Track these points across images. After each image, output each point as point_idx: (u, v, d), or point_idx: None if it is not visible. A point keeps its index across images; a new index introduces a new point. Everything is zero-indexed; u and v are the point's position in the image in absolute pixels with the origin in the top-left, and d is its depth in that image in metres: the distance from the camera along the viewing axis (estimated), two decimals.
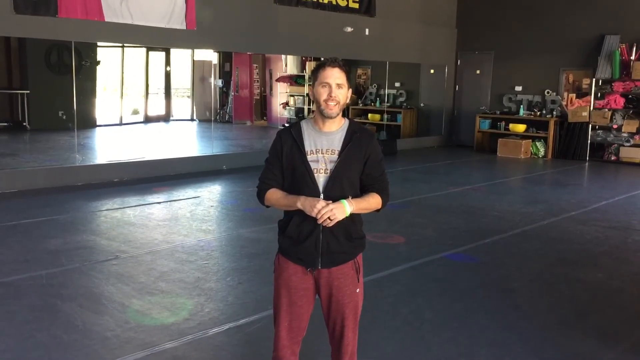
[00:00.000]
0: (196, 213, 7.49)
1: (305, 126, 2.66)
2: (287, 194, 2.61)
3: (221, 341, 3.95)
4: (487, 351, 3.89)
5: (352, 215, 2.61)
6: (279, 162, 2.64)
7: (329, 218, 2.47)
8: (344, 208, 2.52)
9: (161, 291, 4.77)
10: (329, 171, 2.58)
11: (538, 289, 5.13)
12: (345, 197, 2.57)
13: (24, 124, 14.25)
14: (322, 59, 2.77)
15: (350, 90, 2.66)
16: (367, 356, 3.56)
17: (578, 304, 4.83)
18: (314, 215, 2.48)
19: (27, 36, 10.96)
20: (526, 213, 7.93)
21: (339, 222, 2.57)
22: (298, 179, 2.59)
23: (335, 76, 2.55)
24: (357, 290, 2.69)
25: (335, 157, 2.59)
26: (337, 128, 2.64)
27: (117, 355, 3.66)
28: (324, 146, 2.60)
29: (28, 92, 14.15)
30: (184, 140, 15.26)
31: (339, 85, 2.56)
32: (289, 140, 2.63)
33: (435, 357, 3.80)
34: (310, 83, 2.67)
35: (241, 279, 5.17)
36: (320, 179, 2.58)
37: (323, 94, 2.56)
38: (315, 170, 2.58)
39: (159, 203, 8.02)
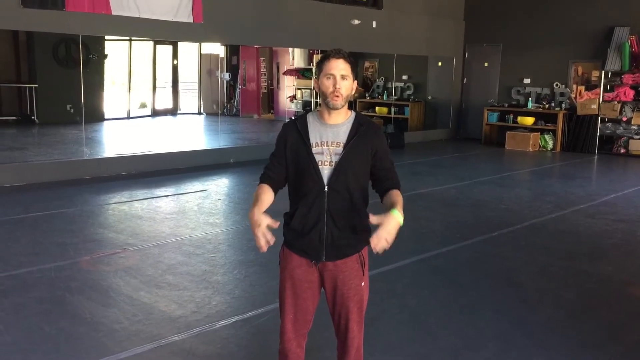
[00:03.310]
0: (203, 206, 7.51)
1: (311, 118, 2.64)
2: (259, 199, 2.52)
3: (228, 334, 3.96)
4: (494, 344, 3.88)
5: (356, 207, 2.60)
6: (283, 154, 2.63)
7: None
8: (398, 219, 2.43)
9: (168, 284, 4.79)
10: (333, 164, 2.56)
11: (545, 282, 5.11)
12: (350, 190, 2.56)
13: (32, 117, 14.31)
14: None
15: (356, 82, 2.63)
16: (374, 349, 3.56)
17: (586, 297, 4.81)
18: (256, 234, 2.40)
19: (35, 30, 11.00)
20: (534, 206, 7.90)
21: (343, 215, 2.57)
22: (302, 171, 2.58)
23: (339, 67, 2.52)
24: (362, 283, 2.68)
25: (340, 149, 2.56)
26: (343, 120, 2.61)
27: (125, 348, 3.68)
28: (329, 138, 2.58)
29: (36, 86, 14.22)
30: (192, 133, 15.28)
31: (343, 77, 2.52)
32: (294, 133, 2.61)
33: (442, 349, 3.80)
34: (316, 76, 2.64)
35: (248, 271, 5.18)
36: (325, 171, 2.56)
37: (329, 86, 2.53)
38: (320, 162, 2.56)
39: (166, 196, 8.04)
